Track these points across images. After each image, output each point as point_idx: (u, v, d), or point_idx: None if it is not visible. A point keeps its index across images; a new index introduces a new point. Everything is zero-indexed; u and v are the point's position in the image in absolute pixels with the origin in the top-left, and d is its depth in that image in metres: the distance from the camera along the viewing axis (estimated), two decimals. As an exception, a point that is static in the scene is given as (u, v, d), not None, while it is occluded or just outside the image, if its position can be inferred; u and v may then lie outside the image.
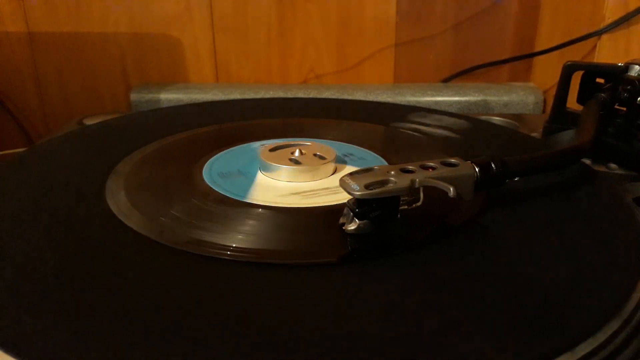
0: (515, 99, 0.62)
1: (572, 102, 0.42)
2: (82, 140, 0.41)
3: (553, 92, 0.43)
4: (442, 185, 0.24)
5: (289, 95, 0.62)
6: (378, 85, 0.65)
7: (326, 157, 0.33)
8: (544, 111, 0.62)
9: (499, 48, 0.67)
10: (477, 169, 0.26)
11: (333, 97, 0.62)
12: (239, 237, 0.25)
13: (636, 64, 0.39)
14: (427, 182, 0.24)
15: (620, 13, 0.55)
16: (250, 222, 0.27)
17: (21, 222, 0.27)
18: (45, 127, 0.68)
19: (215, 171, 0.33)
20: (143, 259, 0.24)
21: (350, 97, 0.62)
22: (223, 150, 0.36)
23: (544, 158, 0.30)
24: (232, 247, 0.24)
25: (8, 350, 0.18)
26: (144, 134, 0.40)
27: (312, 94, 0.62)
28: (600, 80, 0.41)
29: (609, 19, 0.56)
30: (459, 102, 0.62)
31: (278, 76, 0.68)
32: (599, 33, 0.57)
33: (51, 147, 0.39)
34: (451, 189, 0.24)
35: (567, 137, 0.41)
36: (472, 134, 0.42)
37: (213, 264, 0.23)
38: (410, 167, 0.25)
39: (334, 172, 0.33)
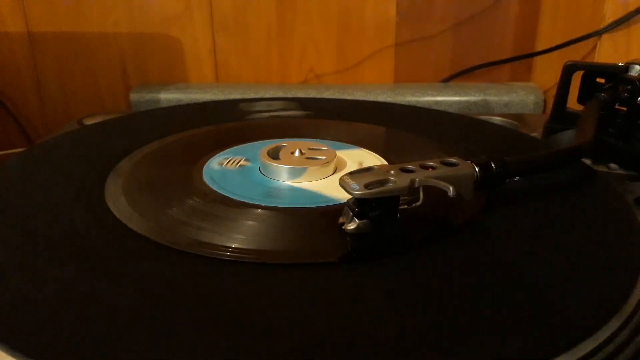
0: (516, 99, 0.62)
1: (573, 102, 0.42)
2: (82, 140, 0.41)
3: (553, 92, 0.43)
4: (442, 184, 0.24)
5: (289, 95, 0.62)
6: (378, 85, 0.65)
7: (326, 148, 0.33)
8: (544, 111, 0.62)
9: (499, 48, 0.66)
10: (477, 169, 0.26)
11: (333, 97, 0.62)
12: (238, 238, 0.25)
13: (636, 64, 0.39)
14: (426, 182, 0.24)
15: (621, 13, 0.55)
16: (250, 222, 0.27)
17: (20, 222, 0.27)
18: (45, 127, 0.68)
19: (259, 193, 0.30)
20: (143, 260, 0.24)
21: (350, 97, 0.62)
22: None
23: (544, 158, 0.30)
24: (232, 247, 0.24)
25: (10, 350, 0.18)
26: (144, 134, 0.40)
27: (312, 94, 0.62)
28: (600, 80, 0.41)
29: (609, 19, 0.56)
30: (459, 102, 0.62)
31: (278, 76, 0.68)
32: (599, 33, 0.57)
33: (51, 147, 0.39)
34: (451, 189, 0.24)
35: (567, 137, 0.41)
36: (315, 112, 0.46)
37: (213, 265, 0.23)
38: (410, 167, 0.25)
39: (334, 171, 0.33)
